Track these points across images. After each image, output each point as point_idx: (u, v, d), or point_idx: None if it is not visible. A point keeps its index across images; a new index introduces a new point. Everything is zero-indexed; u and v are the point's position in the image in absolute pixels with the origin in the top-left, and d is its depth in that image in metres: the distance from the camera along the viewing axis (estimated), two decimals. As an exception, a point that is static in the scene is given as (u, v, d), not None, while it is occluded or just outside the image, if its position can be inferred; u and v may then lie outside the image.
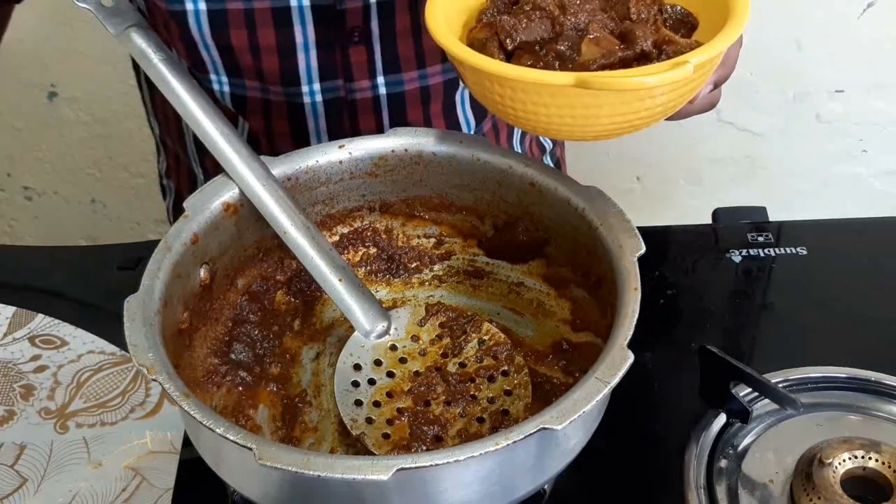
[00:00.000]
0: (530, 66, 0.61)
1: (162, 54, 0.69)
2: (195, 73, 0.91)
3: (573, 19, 0.63)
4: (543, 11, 0.63)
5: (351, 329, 0.71)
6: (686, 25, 0.65)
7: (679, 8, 0.65)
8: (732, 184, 1.81)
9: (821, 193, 1.82)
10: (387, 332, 0.72)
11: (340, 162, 0.75)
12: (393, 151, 0.75)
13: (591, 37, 0.61)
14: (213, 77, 0.91)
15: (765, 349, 0.82)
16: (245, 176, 0.69)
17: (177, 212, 1.10)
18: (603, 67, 0.60)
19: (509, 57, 0.63)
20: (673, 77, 0.56)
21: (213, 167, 0.99)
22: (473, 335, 0.72)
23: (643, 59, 0.61)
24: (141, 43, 0.68)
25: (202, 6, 0.85)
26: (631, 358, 0.58)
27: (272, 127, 0.95)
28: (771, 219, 0.95)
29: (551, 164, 1.12)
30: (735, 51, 0.66)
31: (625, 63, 0.61)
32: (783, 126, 1.75)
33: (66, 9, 1.66)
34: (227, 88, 0.92)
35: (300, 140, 0.94)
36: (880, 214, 0.97)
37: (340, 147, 0.75)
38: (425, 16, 0.64)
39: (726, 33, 0.59)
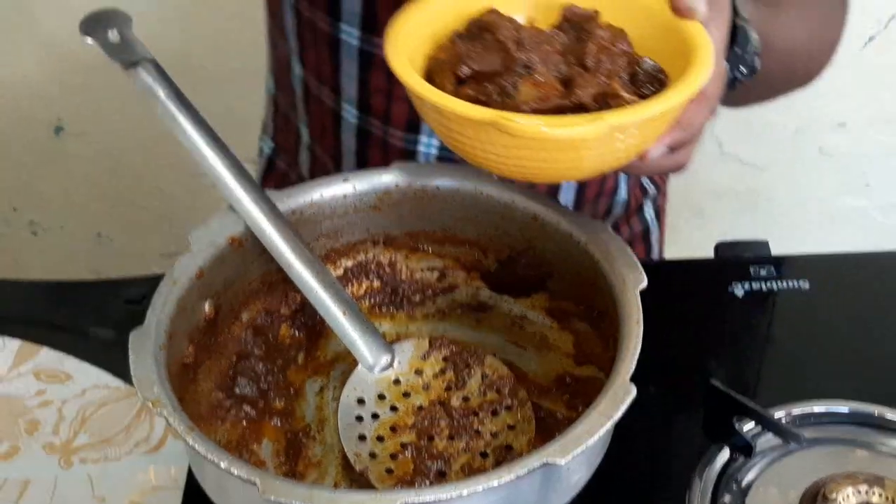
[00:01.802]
0: (470, 96, 0.61)
1: (169, 90, 0.70)
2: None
3: (525, 57, 0.62)
4: (500, 44, 0.63)
5: (355, 363, 0.71)
6: (656, 81, 0.63)
7: (651, 63, 0.64)
8: (735, 217, 1.82)
9: (824, 227, 1.82)
10: (390, 365, 0.72)
11: (345, 196, 0.75)
12: (397, 185, 0.76)
13: (535, 78, 0.61)
14: (345, 105, 0.95)
15: (768, 383, 0.82)
16: (251, 210, 0.69)
17: (267, 174, 1.17)
18: (535, 111, 0.60)
19: (460, 83, 0.63)
20: (578, 133, 0.56)
21: (318, 133, 1.04)
22: (477, 369, 0.73)
23: (581, 109, 0.60)
24: (148, 78, 0.69)
25: (355, 42, 0.91)
26: (633, 392, 0.58)
27: (385, 164, 0.98)
28: (774, 252, 0.95)
29: (652, 213, 1.13)
30: (701, 116, 0.64)
31: (560, 110, 0.60)
32: (786, 159, 1.76)
33: (72, 44, 1.68)
34: (354, 120, 0.96)
35: None
36: (884, 247, 0.97)
37: (345, 181, 0.75)
38: (387, 29, 0.64)
39: (661, 99, 0.59)
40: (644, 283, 0.65)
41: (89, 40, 0.68)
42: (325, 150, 1.05)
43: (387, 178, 0.76)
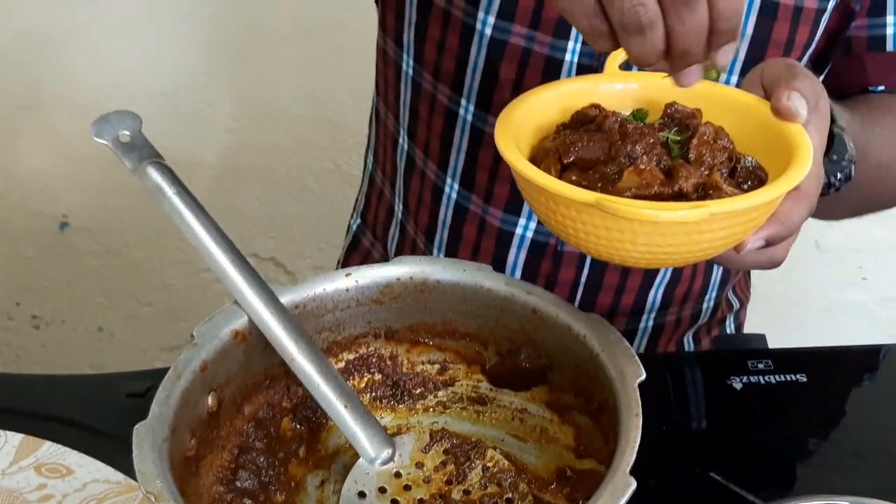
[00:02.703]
0: (573, 181, 0.64)
1: (176, 188, 0.71)
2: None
3: (629, 147, 0.65)
4: (605, 135, 0.66)
5: (356, 456, 0.72)
6: (755, 178, 0.66)
7: (751, 160, 0.66)
8: (734, 311, 1.82)
9: (823, 321, 1.83)
10: (391, 458, 0.72)
11: (347, 290, 0.77)
12: (398, 279, 0.77)
13: (637, 167, 0.63)
14: (449, 180, 0.99)
15: (767, 477, 0.82)
16: (254, 304, 0.71)
17: (351, 251, 1.21)
18: (636, 197, 0.62)
19: (564, 170, 0.66)
20: (682, 217, 0.58)
21: (414, 207, 1.07)
22: (478, 462, 0.73)
23: (682, 198, 0.62)
24: (156, 177, 0.71)
25: (469, 117, 0.95)
26: (633, 485, 0.58)
27: (479, 242, 1.01)
28: (772, 346, 0.96)
29: (733, 327, 1.15)
30: (798, 213, 0.66)
31: (660, 198, 0.62)
32: (782, 254, 1.77)
33: (79, 141, 1.71)
34: (454, 195, 1.00)
35: (496, 264, 0.99)
36: (883, 340, 0.98)
37: (347, 275, 0.77)
38: (498, 119, 0.68)
39: (761, 191, 0.61)
40: (642, 376, 0.66)
41: (100, 141, 0.71)
42: (419, 226, 1.08)
43: (388, 272, 0.77)
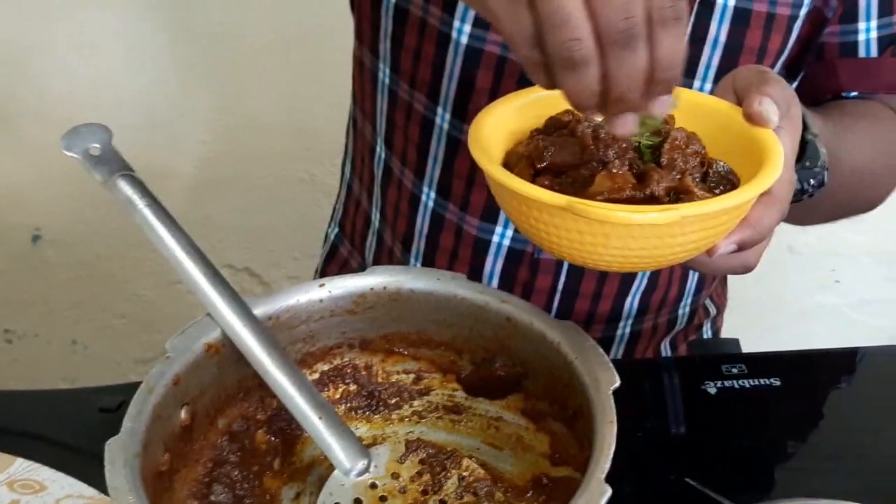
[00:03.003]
0: (546, 185, 0.64)
1: (147, 200, 0.71)
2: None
3: (602, 152, 0.65)
4: (577, 139, 0.66)
5: (331, 468, 0.71)
6: (727, 182, 0.66)
7: (724, 165, 0.67)
8: (708, 315, 1.83)
9: (796, 324, 1.84)
10: (367, 469, 0.72)
11: (321, 300, 0.76)
12: (372, 289, 0.77)
13: (609, 171, 0.64)
14: (425, 188, 1.00)
15: (742, 481, 0.82)
16: (227, 316, 0.70)
17: (329, 260, 1.20)
18: (608, 200, 0.62)
19: (537, 175, 0.66)
20: (653, 220, 0.58)
21: (392, 216, 1.07)
22: (453, 471, 0.73)
23: (654, 202, 0.62)
24: (127, 190, 0.70)
25: (445, 126, 0.95)
26: (608, 492, 0.58)
27: (456, 250, 1.01)
28: (745, 350, 0.97)
29: (710, 333, 1.16)
30: (770, 217, 0.66)
31: (632, 202, 0.62)
32: (756, 258, 1.78)
33: (51, 154, 1.70)
34: (431, 204, 1.00)
35: (473, 272, 0.98)
36: (857, 343, 0.98)
37: (321, 286, 0.76)
38: (471, 125, 0.68)
39: (732, 194, 0.61)
40: (617, 383, 0.66)
41: (71, 154, 0.70)
42: (396, 235, 1.08)
43: (362, 282, 0.77)
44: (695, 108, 0.70)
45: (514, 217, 0.65)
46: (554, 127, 0.69)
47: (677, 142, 0.66)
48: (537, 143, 0.67)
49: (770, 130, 0.66)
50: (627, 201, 0.62)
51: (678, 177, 0.64)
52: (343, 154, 1.19)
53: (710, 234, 0.63)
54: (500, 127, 0.69)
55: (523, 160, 0.67)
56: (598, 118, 0.63)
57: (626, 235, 0.60)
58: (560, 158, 0.66)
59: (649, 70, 0.56)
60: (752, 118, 0.66)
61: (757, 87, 0.67)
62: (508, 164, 0.68)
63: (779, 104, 0.66)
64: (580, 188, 0.64)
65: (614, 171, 0.63)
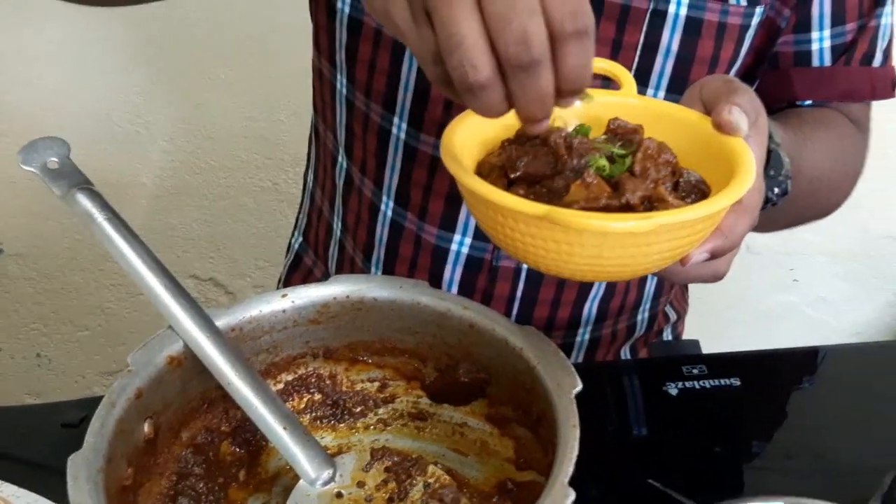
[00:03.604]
0: (521, 195, 0.63)
1: (106, 213, 0.71)
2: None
3: (575, 161, 0.65)
4: (550, 149, 0.66)
5: (296, 478, 0.71)
6: (698, 192, 0.66)
7: (695, 175, 0.67)
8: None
9: (755, 323, 1.86)
10: (332, 479, 0.72)
11: (284, 311, 0.76)
12: (335, 298, 0.77)
13: (584, 180, 0.64)
14: (384, 198, 1.00)
15: (704, 481, 0.83)
16: (189, 329, 0.70)
17: (293, 270, 1.20)
18: (584, 209, 0.62)
19: (510, 185, 0.66)
20: (631, 228, 0.58)
21: (353, 225, 1.07)
22: (419, 478, 0.73)
23: (629, 210, 0.63)
24: (86, 203, 0.70)
25: (402, 135, 0.96)
26: (572, 495, 0.59)
27: (415, 259, 1.02)
28: (706, 351, 0.98)
29: (671, 338, 1.16)
30: (741, 226, 0.66)
31: (607, 210, 0.62)
32: (716, 258, 1.80)
33: (10, 167, 1.69)
34: (390, 213, 1.01)
35: (432, 280, 0.99)
36: (815, 342, 1.00)
37: (283, 296, 0.77)
38: (444, 132, 0.67)
39: (708, 202, 0.62)
40: (579, 387, 0.67)
41: (28, 168, 0.70)
42: (357, 245, 1.08)
43: (325, 292, 0.77)
44: (664, 119, 0.70)
45: (489, 227, 0.65)
46: (525, 137, 0.70)
47: (649, 151, 0.67)
48: (510, 153, 0.67)
49: (740, 139, 0.66)
50: (603, 210, 0.63)
51: (652, 186, 0.65)
52: (305, 164, 1.19)
53: (686, 243, 0.63)
54: (471, 136, 0.69)
55: (496, 170, 0.67)
56: (605, 92, 0.64)
57: (603, 244, 0.60)
58: (534, 168, 0.66)
59: (557, 84, 0.56)
60: (722, 127, 0.67)
61: (726, 97, 0.67)
62: (481, 173, 0.68)
63: (748, 113, 0.67)
64: (556, 197, 0.64)
65: (589, 180, 0.64)
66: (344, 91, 1.01)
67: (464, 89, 0.56)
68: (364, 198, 1.04)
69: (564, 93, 0.57)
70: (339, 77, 1.01)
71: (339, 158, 1.06)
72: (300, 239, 1.21)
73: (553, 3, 0.54)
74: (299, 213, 1.23)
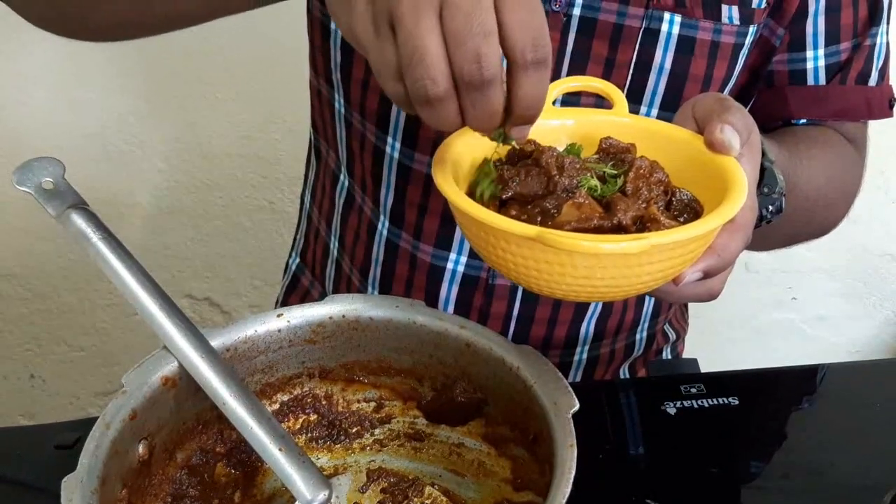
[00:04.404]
0: (513, 216, 0.63)
1: (101, 233, 0.70)
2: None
3: (567, 181, 0.65)
4: (542, 169, 0.66)
5: (292, 499, 0.71)
6: (690, 211, 0.66)
7: (687, 194, 0.67)
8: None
9: (754, 341, 1.86)
10: (328, 500, 0.71)
11: (279, 330, 0.76)
12: (331, 318, 0.77)
13: (576, 200, 0.64)
14: (381, 217, 1.01)
15: (703, 501, 0.83)
16: (183, 349, 0.70)
17: (290, 290, 1.20)
18: (576, 230, 0.62)
19: (502, 205, 0.66)
20: (623, 249, 0.58)
21: (351, 244, 1.07)
22: (416, 500, 0.72)
23: (621, 231, 0.62)
24: (81, 223, 0.70)
25: (396, 155, 0.96)
26: (570, 516, 0.58)
27: (412, 278, 1.02)
28: (704, 370, 0.97)
29: (670, 356, 1.16)
30: (735, 245, 0.66)
31: (599, 231, 0.62)
32: (713, 277, 1.80)
33: (4, 187, 1.68)
34: (385, 232, 1.01)
35: (429, 299, 0.99)
36: (814, 360, 0.99)
37: (279, 316, 0.76)
38: (436, 153, 0.67)
39: (701, 222, 0.61)
40: (576, 407, 0.66)
41: (23, 189, 0.70)
42: (355, 264, 1.07)
43: (321, 311, 0.77)
44: (656, 137, 0.70)
45: (480, 248, 0.65)
46: (517, 157, 0.70)
47: (642, 170, 0.66)
48: (502, 173, 0.67)
49: (732, 158, 0.66)
50: (595, 230, 0.63)
51: (644, 205, 0.65)
52: (302, 183, 1.19)
53: (678, 263, 0.63)
54: (463, 156, 0.69)
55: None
56: (597, 111, 0.66)
57: (596, 265, 0.60)
58: (525, 189, 0.66)
59: (510, 105, 0.58)
60: (714, 146, 0.67)
61: (718, 115, 0.67)
62: (472, 194, 0.68)
63: (740, 132, 0.67)
64: (548, 218, 0.64)
65: (581, 200, 0.64)
66: (342, 110, 1.01)
67: (421, 102, 0.58)
68: (364, 216, 1.04)
69: (517, 119, 0.59)
70: (336, 96, 1.01)
71: (341, 176, 1.06)
72: (297, 259, 1.21)
73: (514, 29, 0.56)
74: (296, 233, 1.23)
